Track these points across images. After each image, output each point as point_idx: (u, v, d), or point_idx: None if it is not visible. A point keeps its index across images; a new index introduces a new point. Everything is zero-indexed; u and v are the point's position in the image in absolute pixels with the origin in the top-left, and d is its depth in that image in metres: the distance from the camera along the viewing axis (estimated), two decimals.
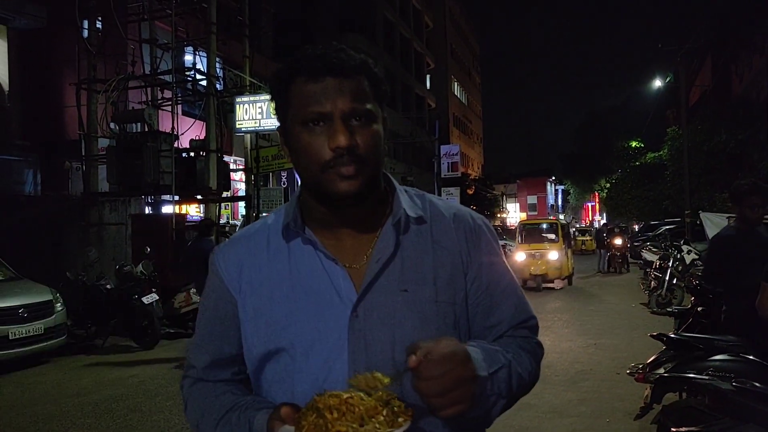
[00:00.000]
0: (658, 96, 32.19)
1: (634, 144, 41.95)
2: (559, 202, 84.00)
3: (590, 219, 73.20)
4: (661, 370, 3.59)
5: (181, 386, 1.19)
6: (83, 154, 13.33)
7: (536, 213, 73.01)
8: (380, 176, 1.09)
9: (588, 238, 32.06)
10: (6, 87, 13.43)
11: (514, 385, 1.02)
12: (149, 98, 13.61)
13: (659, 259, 11.95)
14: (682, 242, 13.16)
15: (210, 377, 1.15)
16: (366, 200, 1.05)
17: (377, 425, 0.85)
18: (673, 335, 3.87)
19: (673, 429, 2.99)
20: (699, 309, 5.66)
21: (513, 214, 66.63)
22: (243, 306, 1.10)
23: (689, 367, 3.46)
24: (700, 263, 11.79)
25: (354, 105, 1.00)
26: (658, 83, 27.41)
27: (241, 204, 16.75)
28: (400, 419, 0.86)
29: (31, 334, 7.55)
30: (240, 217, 17.55)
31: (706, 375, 3.35)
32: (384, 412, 0.86)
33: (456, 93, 54.55)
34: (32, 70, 14.34)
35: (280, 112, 1.07)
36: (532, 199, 77.28)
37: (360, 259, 1.08)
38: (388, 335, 1.03)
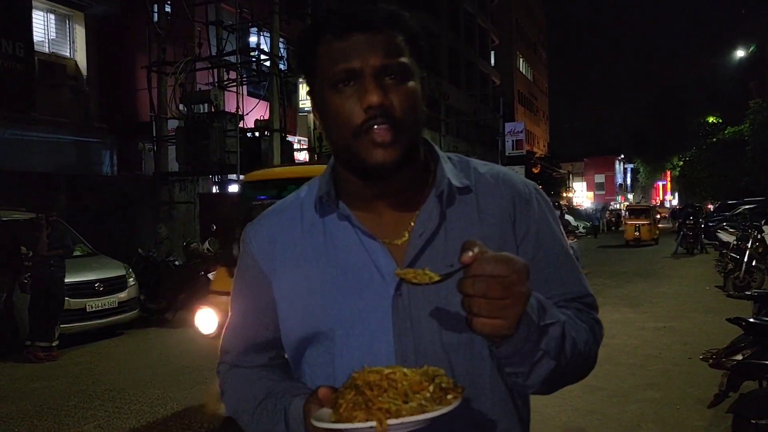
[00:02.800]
0: (739, 67, 30.28)
1: (711, 119, 39.72)
2: (628, 182, 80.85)
3: (661, 198, 70.20)
4: (739, 356, 3.37)
5: (217, 372, 1.14)
6: (154, 135, 13.83)
7: (604, 192, 70.65)
8: (420, 142, 0.99)
9: (645, 221, 23.81)
10: (84, 72, 14.06)
11: (567, 349, 0.89)
12: (215, 79, 13.93)
13: (737, 239, 11.28)
14: (763, 222, 12.38)
15: (246, 363, 1.09)
16: (404, 170, 0.95)
17: (423, 402, 0.77)
18: (752, 319, 3.62)
19: (762, 422, 2.79)
20: None
21: (579, 193, 64.74)
22: (278, 287, 1.03)
23: None
24: None
25: (386, 60, 0.91)
26: (740, 53, 25.77)
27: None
28: (449, 396, 0.78)
29: (107, 307, 7.95)
30: None
31: None
32: (430, 388, 0.78)
33: (521, 69, 53.15)
34: (107, 55, 14.94)
35: (308, 78, 0.99)
36: (599, 178, 74.71)
37: (400, 234, 0.99)
38: (434, 314, 0.95)
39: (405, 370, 0.81)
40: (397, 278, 0.93)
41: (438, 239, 0.97)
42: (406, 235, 0.98)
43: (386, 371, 0.81)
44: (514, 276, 0.76)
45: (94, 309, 7.80)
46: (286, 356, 1.07)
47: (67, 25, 13.92)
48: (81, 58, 14.03)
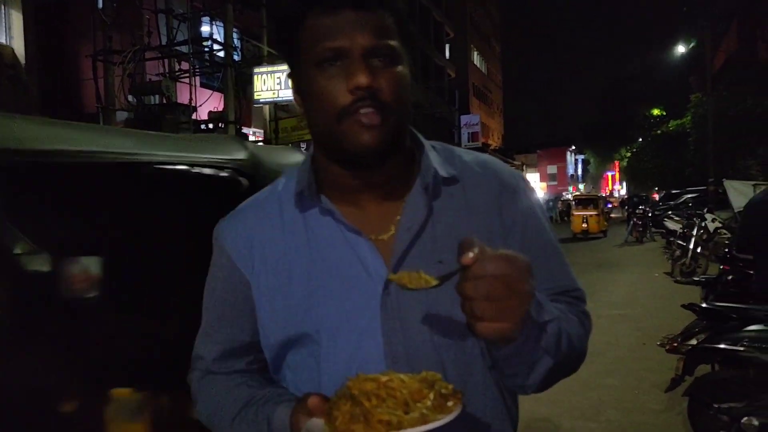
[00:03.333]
0: (681, 62, 31.44)
1: (656, 112, 41.18)
2: (579, 172, 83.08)
3: (610, 188, 72.43)
4: (694, 341, 3.50)
5: (188, 380, 1.05)
6: None
7: (556, 183, 72.37)
8: (406, 130, 0.94)
9: (593, 212, 22.38)
10: (23, 60, 13.43)
11: (563, 345, 0.86)
12: (167, 70, 13.54)
13: (683, 227, 11.75)
14: (705, 210, 12.93)
15: (222, 369, 1.01)
16: (390, 159, 0.91)
17: (425, 411, 0.72)
18: (705, 305, 3.77)
19: (716, 405, 2.90)
20: (729, 278, 5.53)
21: (533, 184, 65.27)
22: (257, 287, 0.96)
23: (723, 338, 3.36)
24: (724, 231, 11.59)
25: (376, 41, 0.86)
26: (681, 49, 26.73)
27: None
28: (449, 403, 0.74)
29: None
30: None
31: (741, 346, 3.26)
32: (431, 396, 0.74)
33: (476, 62, 53.68)
34: (48, 43, 14.30)
35: (290, 57, 0.93)
36: (552, 170, 76.47)
37: (386, 228, 0.94)
38: (424, 313, 0.90)
39: (402, 376, 0.77)
40: (385, 275, 0.90)
41: (426, 233, 0.93)
42: (392, 229, 0.94)
43: (383, 379, 0.76)
44: (517, 274, 0.73)
45: None
46: (266, 359, 1.01)
47: (3, 10, 13.24)
48: (18, 46, 13.37)
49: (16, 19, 13.32)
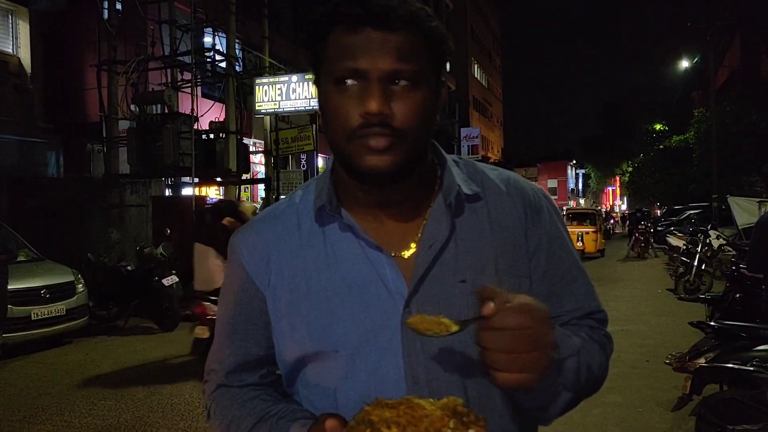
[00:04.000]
0: (683, 77, 31.50)
1: (658, 127, 41.17)
2: (580, 186, 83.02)
3: (611, 203, 72.34)
4: (702, 360, 3.43)
5: (202, 392, 1.05)
6: (104, 136, 13.36)
7: (556, 197, 72.29)
8: (424, 150, 0.92)
9: (589, 228, 20.16)
10: (28, 69, 13.46)
11: (582, 379, 0.86)
12: (169, 80, 13.57)
13: (687, 244, 11.67)
14: (709, 227, 12.85)
15: (235, 382, 0.99)
16: (406, 178, 0.88)
17: None
18: (714, 323, 3.69)
19: (729, 426, 2.82)
20: (736, 296, 5.46)
21: None
22: (273, 302, 0.94)
23: (732, 357, 3.29)
24: (729, 248, 11.50)
25: (397, 65, 0.82)
26: (684, 64, 26.79)
27: (261, 186, 16.72)
28: (470, 431, 0.71)
29: (53, 315, 7.57)
30: (259, 199, 17.53)
31: (751, 366, 3.19)
32: (451, 424, 0.71)
33: (476, 75, 53.91)
34: (54, 53, 14.35)
35: (314, 67, 0.91)
36: (552, 183, 76.38)
37: (406, 245, 0.92)
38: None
39: (422, 402, 0.73)
40: (405, 294, 0.87)
41: (448, 251, 0.91)
42: (413, 246, 0.91)
43: (403, 406, 0.72)
44: (539, 327, 0.73)
45: (39, 317, 7.41)
46: (280, 373, 0.99)
47: (10, 21, 13.29)
48: (24, 55, 13.43)
49: (23, 29, 13.38)
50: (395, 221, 0.93)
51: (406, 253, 0.91)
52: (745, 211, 12.25)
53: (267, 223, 0.99)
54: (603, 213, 35.10)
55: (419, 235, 0.92)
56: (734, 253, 9.51)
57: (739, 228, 11.91)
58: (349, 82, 0.83)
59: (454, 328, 0.76)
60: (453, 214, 0.92)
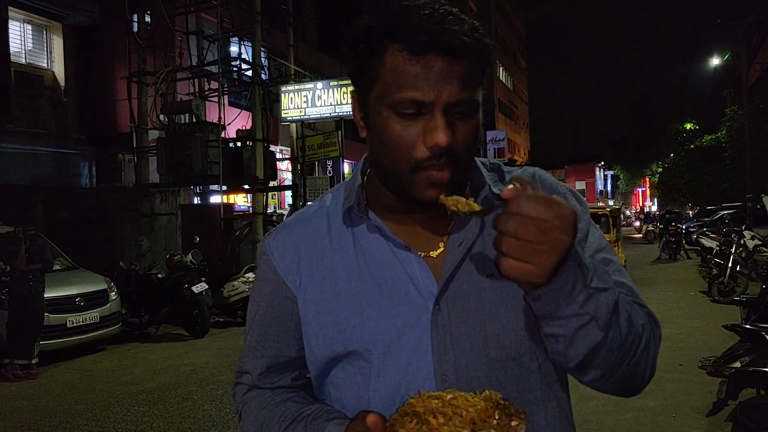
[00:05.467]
0: (714, 75, 30.86)
1: (688, 126, 40.36)
2: (609, 188, 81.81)
3: (640, 205, 71.11)
4: (737, 364, 3.35)
5: (232, 395, 1.05)
6: (134, 146, 13.64)
7: (585, 199, 71.22)
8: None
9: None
10: (62, 83, 13.83)
11: (622, 324, 0.79)
12: (197, 89, 13.80)
13: (720, 245, 11.40)
14: (743, 227, 12.54)
15: (267, 384, 1.01)
16: None
17: (492, 431, 0.70)
18: (749, 326, 3.60)
19: (753, 428, 2.75)
20: None
21: None
22: (304, 302, 0.95)
23: None
24: (765, 249, 11.22)
25: (461, 95, 0.81)
26: (715, 61, 26.26)
27: (288, 193, 16.87)
28: (513, 423, 0.72)
29: (88, 322, 7.74)
30: (287, 206, 17.69)
31: None
32: (496, 415, 0.72)
33: (501, 78, 53.67)
34: (86, 66, 14.73)
35: (359, 81, 0.88)
36: (580, 185, 75.31)
37: (435, 245, 0.93)
38: (477, 329, 0.88)
39: (465, 395, 0.75)
40: (435, 292, 0.89)
41: (476, 248, 0.91)
42: (442, 246, 0.92)
43: (448, 397, 0.74)
44: (555, 221, 0.70)
45: (75, 324, 7.59)
46: (310, 376, 1.00)
47: (45, 36, 13.69)
48: (59, 69, 13.82)
49: (57, 44, 13.77)
50: (423, 223, 0.93)
51: (434, 253, 0.92)
52: None
53: (298, 225, 1.00)
54: (627, 212, 33.99)
55: (448, 234, 0.92)
56: None
57: None
58: (411, 110, 0.82)
59: (477, 207, 0.78)
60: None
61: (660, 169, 44.19)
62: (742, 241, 11.03)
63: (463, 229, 0.91)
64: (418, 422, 0.71)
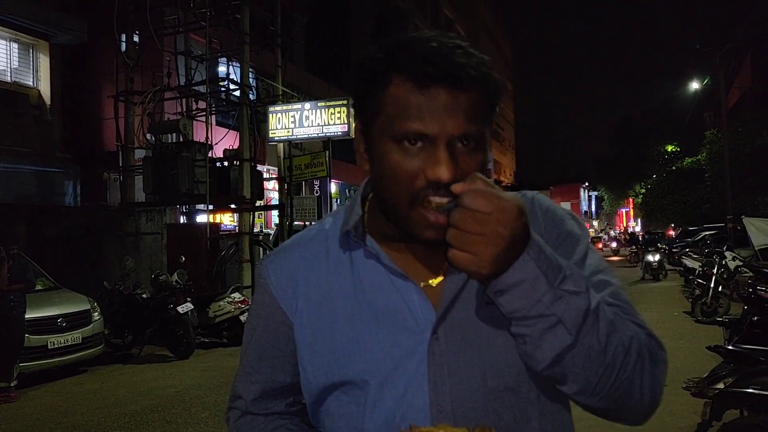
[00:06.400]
0: (694, 99, 31.48)
1: (670, 148, 41.03)
2: (593, 209, 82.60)
3: (624, 225, 71.78)
4: (721, 385, 3.38)
5: (226, 419, 1.04)
6: (120, 165, 13.57)
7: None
8: None
9: None
10: (48, 101, 13.78)
11: (600, 331, 0.77)
12: (184, 109, 13.80)
13: (702, 265, 11.55)
14: (725, 248, 12.72)
15: (260, 410, 0.99)
16: None
17: None
18: (732, 347, 3.65)
19: None
20: (754, 318, 5.40)
21: None
22: (300, 328, 0.93)
23: (752, 382, 3.25)
24: (746, 270, 11.37)
25: (466, 128, 0.80)
26: (695, 86, 26.81)
27: (275, 213, 16.83)
28: None
29: (70, 343, 7.63)
30: (273, 225, 17.63)
31: None
32: None
33: None
34: (72, 84, 14.69)
35: (362, 112, 0.87)
36: (565, 206, 75.19)
37: (435, 273, 0.91)
38: (475, 358, 0.86)
39: (456, 430, 0.74)
40: (434, 321, 0.87)
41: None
42: (442, 274, 0.90)
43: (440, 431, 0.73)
44: (495, 215, 0.72)
45: (56, 346, 7.47)
46: (306, 404, 0.98)
47: (31, 54, 13.65)
48: (45, 88, 13.76)
49: (43, 63, 13.73)
50: (422, 250, 0.91)
51: (434, 282, 0.90)
52: (761, 232, 12.13)
53: (296, 249, 0.99)
54: (612, 233, 34.15)
55: (447, 262, 0.89)
56: (751, 274, 9.40)
57: (756, 249, 11.79)
58: (413, 142, 0.80)
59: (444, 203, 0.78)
60: None
61: (643, 190, 44.77)
62: (723, 262, 11.18)
63: None
64: None
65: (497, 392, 0.86)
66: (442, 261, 0.89)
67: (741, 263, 11.46)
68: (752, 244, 11.75)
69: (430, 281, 0.91)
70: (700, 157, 29.59)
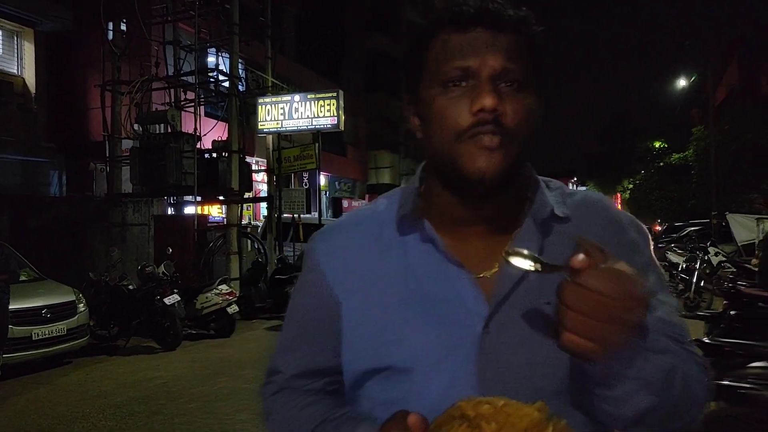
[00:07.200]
0: (683, 95, 31.73)
1: (657, 144, 41.32)
2: None
3: None
4: None
5: (261, 393, 1.02)
6: (107, 155, 13.46)
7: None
8: (522, 162, 0.90)
9: None
10: (33, 90, 13.63)
11: (676, 386, 0.76)
12: (172, 99, 13.70)
13: (685, 261, 11.69)
14: (708, 244, 12.88)
15: (298, 386, 0.97)
16: (502, 190, 0.86)
17: None
18: (708, 340, 3.72)
19: None
20: (732, 313, 5.47)
21: None
22: (347, 309, 0.91)
23: (728, 375, 3.31)
24: (728, 265, 11.52)
25: (507, 64, 0.81)
26: (682, 82, 27.01)
27: (263, 205, 16.79)
28: None
29: (54, 334, 7.59)
30: (262, 218, 17.60)
31: (746, 383, 3.21)
32: (549, 429, 0.68)
33: None
34: (58, 73, 14.52)
35: (411, 75, 0.89)
36: None
37: (489, 265, 0.88)
38: (525, 357, 0.84)
39: (516, 403, 0.70)
40: (485, 314, 0.85)
41: (533, 273, 0.85)
42: (497, 266, 0.88)
43: (500, 403, 0.70)
44: (627, 301, 0.66)
45: (40, 337, 7.43)
46: (345, 386, 0.96)
47: (15, 42, 13.49)
48: (29, 76, 13.61)
49: (28, 50, 13.57)
50: (481, 239, 0.90)
51: (488, 273, 0.88)
52: (744, 228, 12.31)
53: (346, 229, 0.98)
54: None
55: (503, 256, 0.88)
56: (733, 269, 9.53)
57: (739, 245, 11.95)
58: (458, 82, 0.83)
59: (539, 267, 0.72)
60: (543, 235, 0.89)
61: (631, 186, 45.09)
62: (706, 257, 11.32)
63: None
64: (468, 426, 0.68)
65: (544, 393, 0.82)
66: (499, 251, 0.85)
67: (724, 258, 11.61)
68: (735, 239, 11.89)
69: (485, 272, 0.89)
70: (686, 153, 29.85)
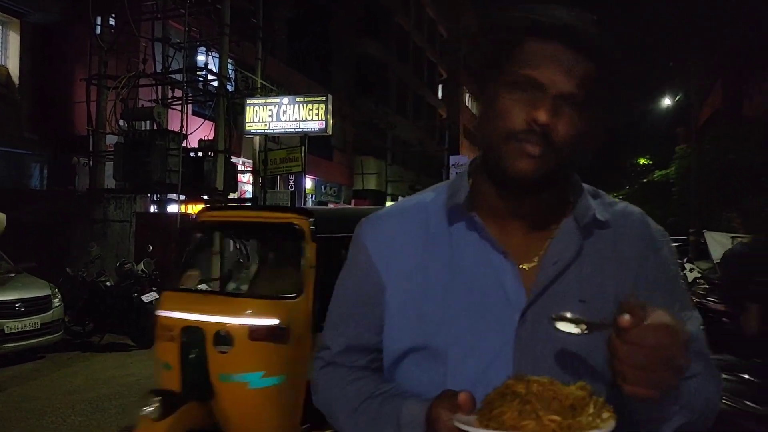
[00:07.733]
0: (668, 113, 32.16)
1: (642, 161, 41.83)
2: None
3: None
4: None
5: (312, 368, 1.08)
6: (91, 150, 13.35)
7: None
8: (564, 173, 0.95)
9: None
10: (16, 81, 13.49)
11: (699, 404, 0.87)
12: (159, 97, 13.64)
13: None
14: (685, 260, 13.04)
15: (345, 362, 1.02)
16: (543, 190, 0.91)
17: (589, 418, 0.72)
18: None
19: None
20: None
21: None
22: (392, 291, 0.96)
23: None
24: (703, 282, 11.68)
25: (574, 90, 0.85)
26: (667, 101, 27.38)
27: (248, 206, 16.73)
28: (605, 414, 0.74)
29: (27, 329, 7.50)
30: None
31: None
32: (592, 404, 0.74)
33: (467, 104, 54.57)
34: (43, 65, 14.40)
35: (488, 67, 0.92)
36: None
37: (530, 258, 0.94)
38: (559, 350, 0.89)
39: (559, 383, 0.77)
40: (524, 304, 0.90)
41: (572, 271, 0.93)
42: (536, 260, 0.94)
43: (546, 380, 0.76)
44: (675, 349, 0.72)
45: (13, 330, 7.33)
46: (384, 365, 1.01)
47: (1, 32, 13.37)
48: (13, 66, 13.49)
49: (13, 41, 13.46)
50: (522, 233, 0.95)
51: (527, 266, 0.93)
52: (720, 245, 12.43)
53: (394, 217, 1.03)
54: None
55: (544, 250, 0.94)
56: (707, 286, 9.66)
57: (715, 262, 12.08)
58: (524, 88, 0.86)
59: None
60: (583, 237, 0.94)
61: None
62: (683, 273, 11.46)
63: (560, 249, 0.93)
64: (520, 402, 0.73)
65: (577, 379, 0.86)
66: (540, 247, 0.93)
67: (699, 275, 11.76)
68: (712, 256, 12.04)
69: (524, 264, 0.93)
70: (669, 170, 30.23)
